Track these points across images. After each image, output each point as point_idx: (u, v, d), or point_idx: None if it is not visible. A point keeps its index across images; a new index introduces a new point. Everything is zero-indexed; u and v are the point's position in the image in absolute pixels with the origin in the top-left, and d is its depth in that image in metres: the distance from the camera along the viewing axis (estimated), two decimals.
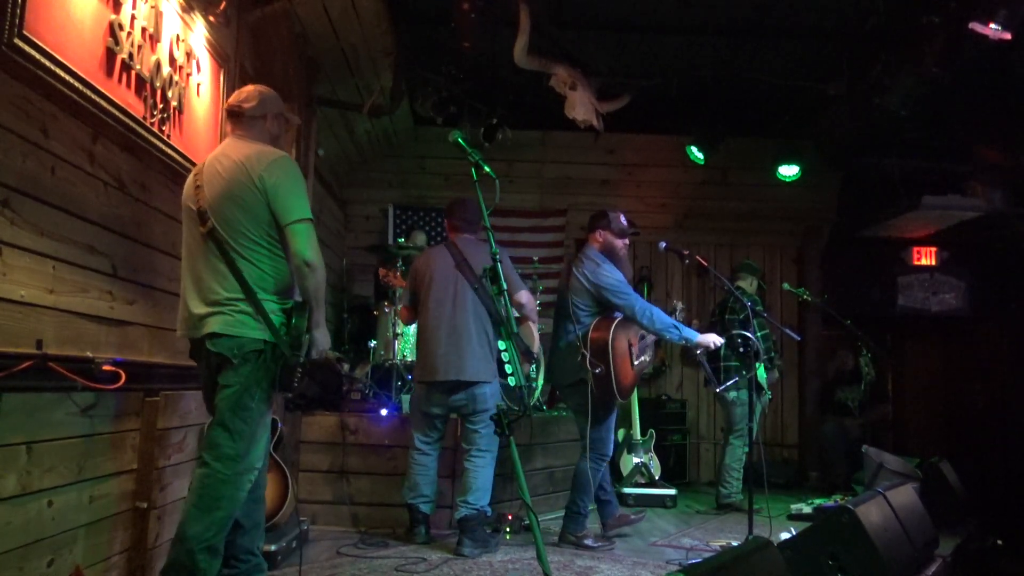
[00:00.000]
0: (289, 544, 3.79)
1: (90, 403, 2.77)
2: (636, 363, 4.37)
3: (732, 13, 5.70)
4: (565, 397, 4.55)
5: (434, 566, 3.78)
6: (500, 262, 2.98)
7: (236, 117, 3.01)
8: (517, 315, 4.41)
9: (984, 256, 8.24)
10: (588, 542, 4.31)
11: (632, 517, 4.73)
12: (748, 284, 6.06)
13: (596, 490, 4.42)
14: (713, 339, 4.27)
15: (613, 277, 4.26)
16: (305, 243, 2.80)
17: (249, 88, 3.08)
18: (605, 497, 4.56)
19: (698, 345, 4.25)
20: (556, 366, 4.45)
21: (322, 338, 2.92)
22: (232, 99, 3.07)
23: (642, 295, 4.60)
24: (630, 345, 4.31)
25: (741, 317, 5.39)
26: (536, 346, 4.72)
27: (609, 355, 4.11)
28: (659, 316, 4.17)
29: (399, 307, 5.11)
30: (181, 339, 2.99)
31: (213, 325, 2.77)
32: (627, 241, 4.49)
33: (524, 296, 4.27)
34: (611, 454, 4.44)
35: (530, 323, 4.57)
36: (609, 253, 4.39)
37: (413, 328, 5.42)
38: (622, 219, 4.46)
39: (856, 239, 8.08)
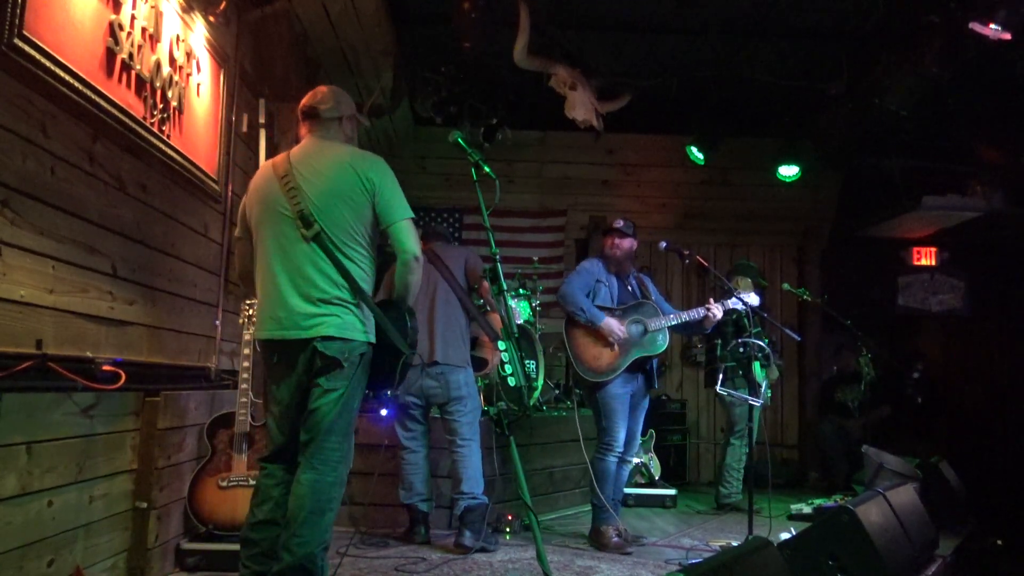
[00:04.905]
0: None
1: (90, 403, 2.77)
2: (612, 340, 4.33)
3: (732, 13, 5.70)
4: None
5: (434, 566, 3.78)
6: (498, 261, 2.98)
7: (312, 119, 2.94)
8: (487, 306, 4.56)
9: (984, 256, 8.23)
10: (610, 540, 4.24)
11: (616, 541, 4.28)
12: (745, 284, 6.04)
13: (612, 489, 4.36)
14: (613, 330, 4.28)
15: (573, 273, 4.58)
16: (413, 239, 2.85)
17: (323, 89, 3.00)
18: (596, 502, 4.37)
19: (600, 330, 4.30)
20: None
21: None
22: (307, 100, 2.98)
23: None
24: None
25: (735, 317, 5.38)
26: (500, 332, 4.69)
27: (564, 340, 4.43)
28: (570, 299, 4.35)
29: None
30: (265, 340, 2.81)
31: (326, 328, 2.72)
32: (615, 239, 4.53)
33: (486, 284, 4.41)
34: (618, 448, 4.34)
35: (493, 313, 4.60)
36: (603, 256, 4.61)
37: None
38: (615, 222, 4.63)
39: (856, 239, 8.08)
